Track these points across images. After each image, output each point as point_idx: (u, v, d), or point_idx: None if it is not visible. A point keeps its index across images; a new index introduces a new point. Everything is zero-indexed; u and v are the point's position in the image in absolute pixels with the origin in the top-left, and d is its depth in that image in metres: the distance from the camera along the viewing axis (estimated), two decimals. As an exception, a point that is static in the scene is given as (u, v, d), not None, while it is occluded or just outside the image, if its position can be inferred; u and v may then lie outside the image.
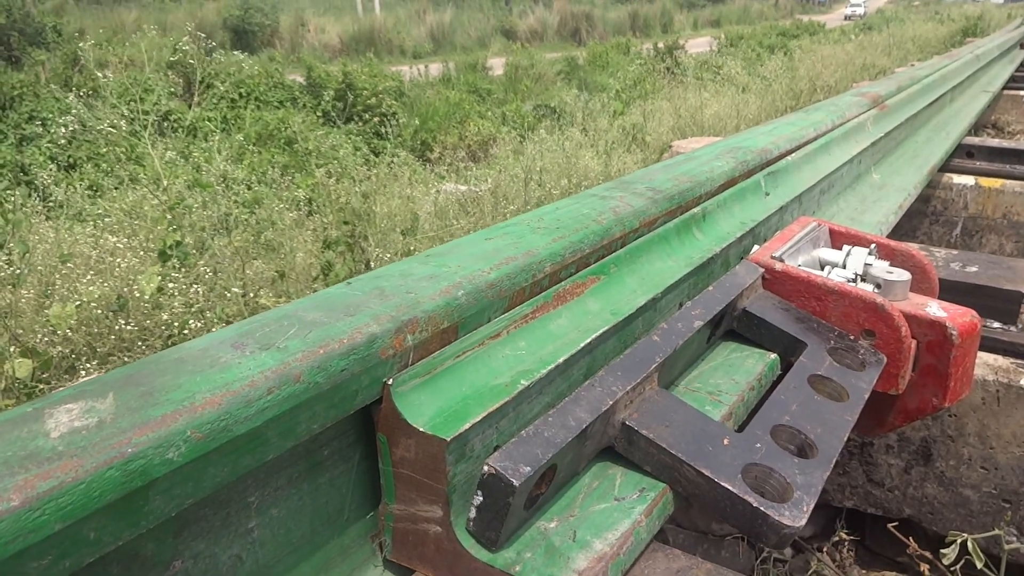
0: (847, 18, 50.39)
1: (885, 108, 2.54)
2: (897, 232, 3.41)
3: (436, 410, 0.76)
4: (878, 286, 1.33)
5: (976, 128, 5.66)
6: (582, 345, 0.91)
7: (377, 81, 15.87)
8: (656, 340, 1.00)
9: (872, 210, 1.98)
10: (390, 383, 0.74)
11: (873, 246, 1.41)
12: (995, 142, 3.38)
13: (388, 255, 3.81)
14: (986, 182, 3.14)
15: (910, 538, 1.76)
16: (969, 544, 1.58)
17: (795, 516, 0.81)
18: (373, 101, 14.90)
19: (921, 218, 3.37)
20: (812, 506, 0.83)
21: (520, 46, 26.84)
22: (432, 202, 5.30)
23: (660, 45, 22.52)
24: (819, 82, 9.62)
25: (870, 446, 1.76)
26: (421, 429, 0.73)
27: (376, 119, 14.13)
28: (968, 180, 3.16)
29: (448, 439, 0.71)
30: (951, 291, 1.69)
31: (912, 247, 1.47)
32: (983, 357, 1.61)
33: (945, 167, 3.23)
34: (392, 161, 5.16)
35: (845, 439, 0.97)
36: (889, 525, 1.78)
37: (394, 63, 23.46)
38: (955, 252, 1.85)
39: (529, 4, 37.37)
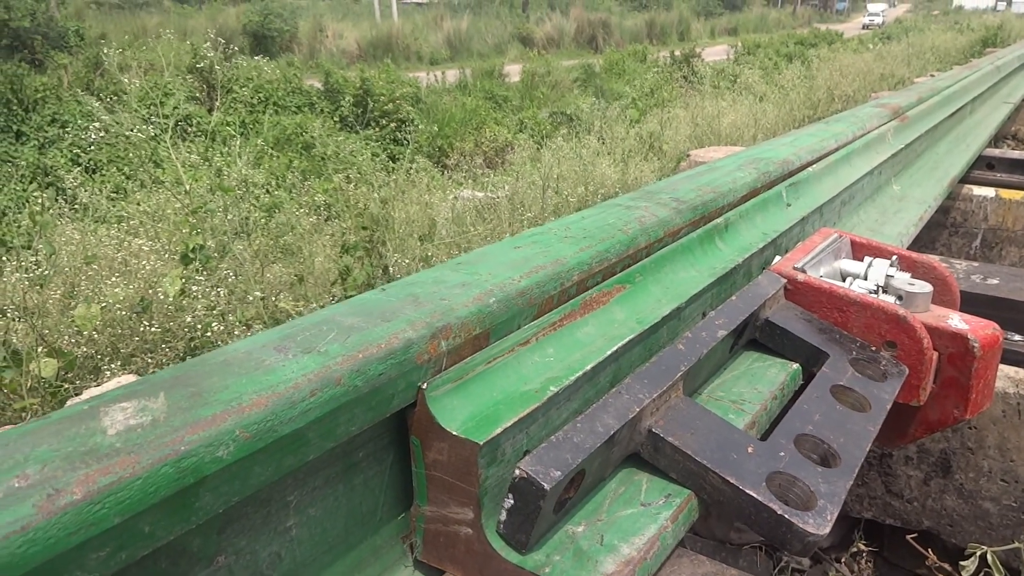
0: (865, 27, 50.20)
1: (906, 119, 2.55)
2: (917, 244, 3.40)
3: (468, 414, 0.77)
4: (900, 298, 1.33)
5: (997, 139, 5.64)
6: (608, 353, 0.93)
7: (394, 87, 15.96)
8: (681, 349, 1.01)
9: (892, 221, 1.99)
10: (424, 387, 0.76)
11: (895, 258, 1.42)
12: (1016, 154, 3.37)
13: (406, 260, 3.84)
14: (1006, 194, 3.13)
15: (929, 550, 1.77)
16: (989, 557, 1.58)
17: (819, 524, 0.82)
18: (390, 107, 14.98)
19: (941, 230, 3.37)
20: (836, 515, 0.85)
21: (537, 53, 26.92)
22: (449, 208, 5.33)
23: (677, 53, 22.50)
24: (837, 91, 9.59)
25: (889, 457, 1.77)
26: (454, 433, 0.75)
27: (393, 125, 14.20)
28: (988, 192, 3.15)
29: (481, 443, 0.73)
30: (972, 303, 1.69)
31: (933, 259, 1.48)
32: (1004, 370, 1.61)
33: (965, 179, 3.22)
34: (410, 167, 5.20)
35: (867, 449, 0.98)
36: (908, 537, 1.78)
37: (411, 69, 23.59)
38: (976, 264, 1.86)
39: (546, 11, 37.48)
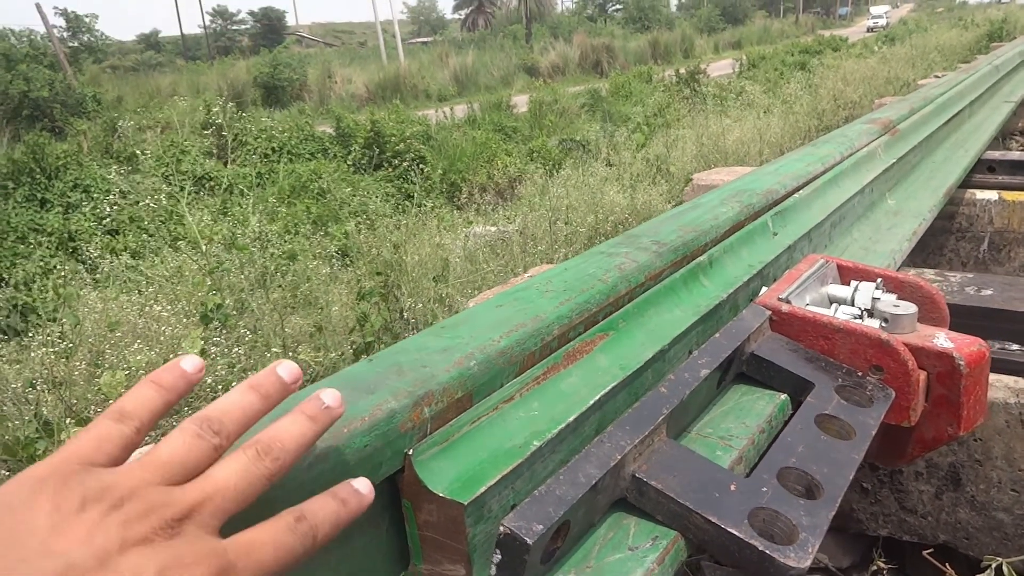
0: (870, 30, 50.15)
1: (896, 133, 2.58)
2: (923, 251, 3.41)
3: (454, 475, 0.82)
4: (886, 320, 1.36)
5: (1004, 137, 5.62)
6: (591, 402, 0.97)
7: (404, 127, 16.21)
8: (663, 392, 1.05)
9: (886, 239, 2.01)
10: (411, 453, 0.81)
11: (880, 280, 1.45)
12: (1016, 155, 3.38)
13: (420, 304, 3.91)
14: (1009, 196, 3.13)
15: (947, 564, 1.77)
16: (1004, 568, 1.58)
17: (800, 557, 0.85)
18: (402, 147, 15.20)
19: (947, 236, 3.37)
20: (817, 546, 0.88)
21: (543, 82, 27.24)
22: (462, 247, 5.41)
23: (682, 71, 22.65)
24: (842, 99, 9.61)
25: (899, 473, 1.78)
26: (441, 495, 0.79)
27: (405, 164, 14.41)
28: (991, 195, 3.16)
29: (465, 503, 0.78)
30: (966, 316, 1.71)
31: (921, 277, 1.51)
32: (1004, 380, 1.63)
33: (967, 183, 3.23)
34: (418, 211, 5.30)
35: (851, 477, 1.01)
36: (925, 552, 1.79)
37: (420, 107, 23.94)
38: (970, 276, 1.88)
39: (549, 40, 37.92)
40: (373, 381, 0.85)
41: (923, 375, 1.27)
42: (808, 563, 0.86)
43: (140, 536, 0.48)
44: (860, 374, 1.25)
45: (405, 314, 3.92)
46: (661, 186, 6.36)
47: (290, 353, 3.22)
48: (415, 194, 7.50)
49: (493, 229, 6.37)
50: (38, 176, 12.38)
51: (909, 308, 1.35)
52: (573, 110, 20.97)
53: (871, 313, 1.41)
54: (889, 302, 1.38)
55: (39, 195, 12.11)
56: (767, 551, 0.85)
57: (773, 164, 2.03)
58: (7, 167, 12.37)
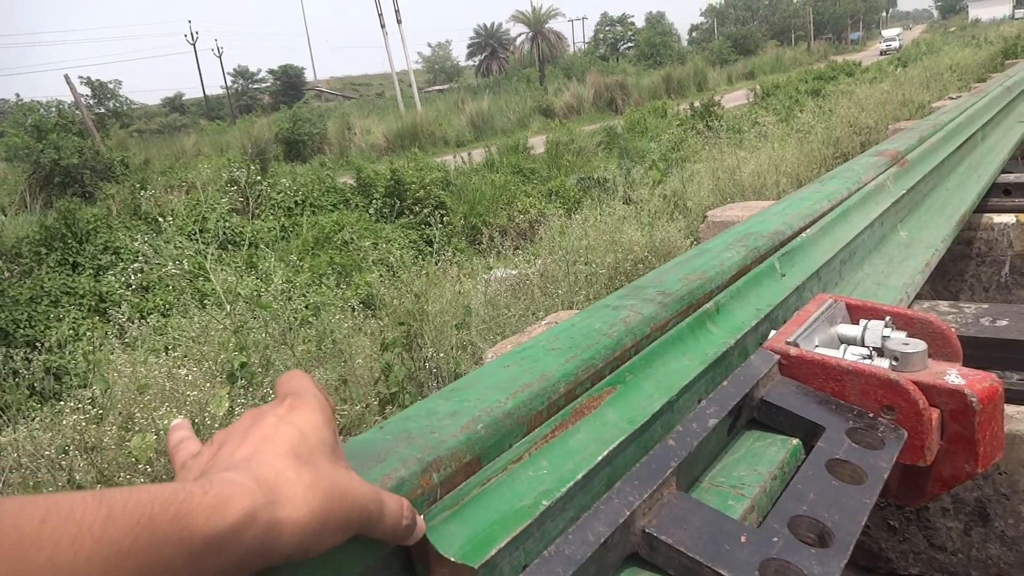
0: (882, 53, 50.19)
1: (905, 164, 2.59)
2: (944, 278, 3.39)
3: (465, 539, 0.84)
4: (896, 359, 1.37)
5: (1020, 157, 5.58)
6: (600, 458, 0.99)
7: (424, 174, 16.46)
8: (672, 444, 1.07)
9: (899, 271, 2.01)
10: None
11: (888, 318, 1.46)
12: (1031, 178, 3.36)
13: (442, 352, 3.94)
14: (1027, 218, 3.12)
15: (982, 601, 1.73)
16: (1039, 605, 1.55)
17: (812, 609, 0.86)
18: (422, 193, 15.41)
19: (967, 261, 3.35)
20: (829, 596, 0.88)
21: (559, 122, 27.52)
22: (483, 291, 5.45)
23: (696, 104, 22.80)
24: (857, 125, 9.62)
25: (926, 510, 1.76)
26: (452, 559, 0.81)
27: (426, 211, 14.59)
28: (1009, 219, 3.15)
29: (476, 566, 0.80)
30: (982, 348, 1.70)
31: (931, 313, 1.51)
32: (1023, 412, 1.61)
33: (983, 208, 3.22)
34: (438, 259, 5.36)
35: (863, 522, 1.01)
36: (958, 590, 1.76)
37: (438, 154, 24.29)
38: (984, 306, 1.87)
39: (562, 81, 38.40)
40: (383, 449, 0.88)
41: (936, 413, 1.27)
42: (820, 614, 0.86)
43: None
44: (871, 415, 1.25)
45: (428, 363, 3.95)
46: (679, 222, 6.39)
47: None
48: (435, 240, 7.59)
49: (514, 272, 6.42)
50: (69, 240, 12.71)
51: (919, 346, 1.36)
52: (590, 148, 21.16)
53: (881, 352, 1.42)
54: (899, 340, 1.39)
55: (71, 259, 12.43)
56: (778, 603, 0.86)
57: (779, 204, 2.05)
58: (40, 234, 12.72)
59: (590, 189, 14.31)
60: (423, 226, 13.87)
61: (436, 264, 5.25)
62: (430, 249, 8.16)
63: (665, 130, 20.12)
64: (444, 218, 12.79)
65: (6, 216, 16.39)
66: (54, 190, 19.60)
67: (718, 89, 36.60)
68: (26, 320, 10.69)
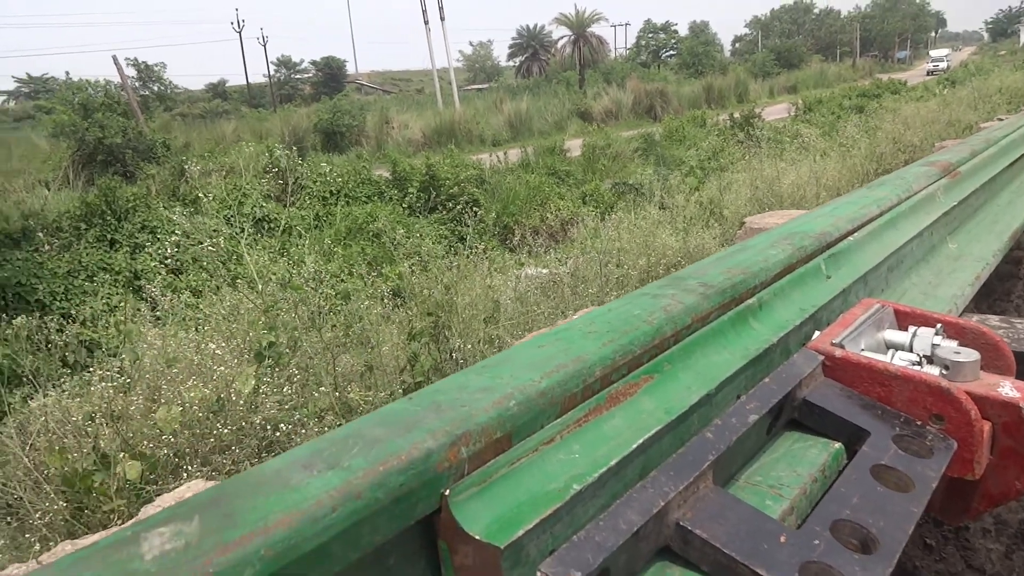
0: (929, 73, 49.33)
1: (957, 176, 2.51)
2: (990, 296, 3.29)
3: (492, 518, 0.81)
4: (947, 367, 1.31)
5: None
6: (635, 446, 0.94)
7: (459, 171, 16.47)
8: (709, 437, 1.02)
9: (947, 283, 1.94)
10: (447, 494, 0.80)
11: (939, 326, 1.40)
12: (1087, 198, 3.25)
13: (469, 345, 3.91)
14: (1081, 240, 3.01)
15: (1019, 629, 1.66)
16: (1083, 636, 1.48)
17: (854, 616, 0.81)
18: (456, 190, 15.42)
19: (1015, 281, 3.25)
20: (873, 605, 0.83)
21: (596, 127, 27.40)
22: (513, 288, 5.41)
23: (736, 115, 22.55)
24: (901, 142, 9.43)
25: (966, 530, 1.69)
26: (477, 537, 0.78)
27: (459, 207, 14.59)
28: (1061, 239, 3.04)
29: (502, 547, 0.76)
30: (1035, 365, 1.63)
31: (983, 324, 1.44)
32: (1077, 433, 1.54)
33: (1034, 227, 3.12)
34: (470, 253, 5.34)
35: (910, 532, 0.96)
36: (995, 615, 1.69)
37: (474, 152, 24.30)
38: (1038, 322, 1.79)
39: (602, 86, 38.25)
40: (411, 420, 0.85)
41: (987, 426, 1.21)
42: (863, 622, 0.81)
43: None
44: (919, 423, 1.19)
45: (455, 355, 3.92)
46: (714, 229, 6.30)
47: (339, 392, 3.24)
48: (468, 236, 7.58)
49: (544, 271, 6.37)
50: (109, 218, 12.90)
51: (972, 355, 1.29)
52: (626, 154, 21.01)
53: (930, 360, 1.36)
54: (950, 349, 1.33)
55: (109, 235, 12.61)
56: (818, 608, 0.81)
57: (827, 206, 1.99)
58: (81, 209, 12.92)
59: (625, 194, 14.22)
60: (455, 222, 13.88)
61: (468, 257, 5.23)
62: (461, 246, 8.16)
63: (703, 139, 19.93)
64: (477, 214, 12.79)
65: (49, 191, 16.68)
66: (96, 168, 19.93)
67: (759, 101, 36.19)
68: (63, 293, 10.87)
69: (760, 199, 6.96)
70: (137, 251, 12.29)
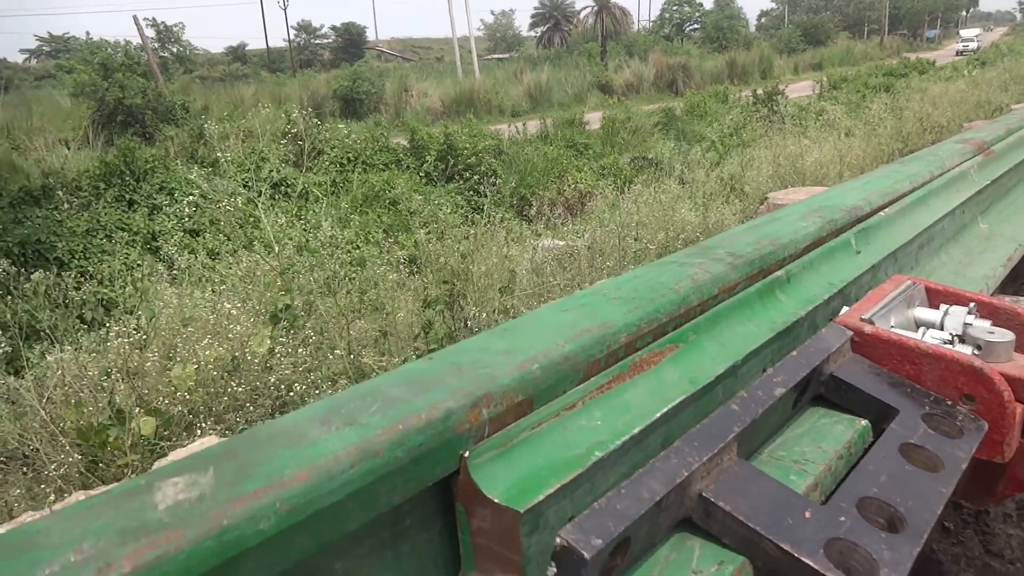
0: (959, 54, 48.33)
1: (991, 154, 2.44)
2: (1015, 281, 3.22)
3: (511, 482, 0.78)
4: (979, 347, 1.27)
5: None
6: (658, 415, 0.92)
7: (477, 140, 16.38)
8: (735, 409, 1.00)
9: (977, 263, 1.90)
10: (466, 455, 0.78)
11: (972, 304, 1.36)
12: (1123, 182, 3.16)
13: (484, 314, 3.90)
14: (1115, 225, 2.93)
15: (1036, 616, 1.64)
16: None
17: (880, 595, 0.78)
18: (473, 160, 15.34)
19: (1044, 265, 3.18)
20: (900, 584, 0.81)
21: (616, 100, 27.11)
22: (529, 259, 5.39)
23: (759, 91, 22.25)
24: (928, 122, 9.26)
25: (986, 514, 1.66)
26: (496, 501, 0.76)
27: (476, 177, 14.52)
28: (1094, 224, 2.97)
29: (522, 511, 0.74)
30: (1069, 348, 1.59)
31: (1019, 305, 1.40)
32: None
33: (1068, 210, 3.04)
34: (488, 222, 5.31)
35: (939, 512, 0.93)
36: (1012, 601, 1.66)
37: (493, 122, 24.13)
38: (1072, 306, 1.74)
39: (624, 58, 37.79)
40: (431, 379, 0.82)
41: (1020, 408, 1.18)
42: (889, 601, 0.79)
43: None
44: (949, 403, 1.16)
45: (469, 323, 3.91)
46: (734, 205, 6.23)
47: (353, 355, 3.24)
48: (485, 206, 7.54)
49: (561, 243, 6.34)
50: (127, 178, 12.95)
51: (1006, 335, 1.26)
52: (646, 128, 20.81)
53: (962, 339, 1.32)
54: (983, 328, 1.29)
55: (127, 196, 12.67)
56: (844, 585, 0.79)
57: (858, 180, 1.94)
58: (100, 169, 12.97)
59: (644, 169, 14.10)
60: (472, 192, 13.83)
61: (485, 227, 5.20)
62: (478, 217, 8.13)
63: (725, 115, 19.68)
64: (495, 184, 12.72)
65: (69, 150, 16.75)
66: (116, 128, 19.98)
67: (783, 78, 35.63)
68: (81, 252, 10.95)
69: (782, 176, 6.87)
70: (155, 212, 12.35)
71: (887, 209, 1.75)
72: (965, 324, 1.32)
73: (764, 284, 1.27)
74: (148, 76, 22.46)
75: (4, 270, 4.89)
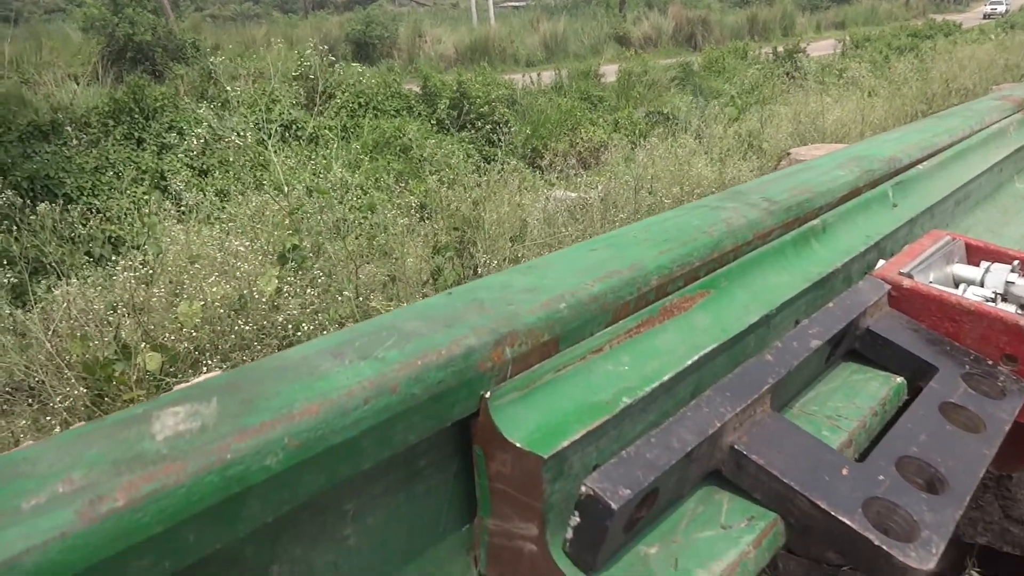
0: (986, 16, 47.12)
1: (1031, 112, 2.34)
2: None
3: (535, 425, 0.74)
4: (1022, 307, 1.21)
5: None
6: (689, 363, 0.87)
7: (490, 89, 16.10)
8: (769, 360, 0.94)
9: (1015, 222, 1.82)
10: (488, 396, 0.73)
11: (1016, 263, 1.29)
12: None
13: (495, 262, 3.84)
14: None
15: (1053, 584, 1.61)
16: (1125, 596, 1.42)
17: (923, 558, 0.74)
18: (486, 109, 15.11)
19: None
20: (943, 548, 0.76)
21: (634, 53, 26.55)
22: (541, 209, 5.31)
23: (780, 49, 21.77)
24: (954, 84, 9.04)
25: (1008, 479, 1.62)
26: (518, 445, 0.71)
27: (489, 127, 14.32)
28: None
29: (546, 456, 0.69)
30: (1108, 313, 1.52)
31: (1062, 264, 1.33)
32: None
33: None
34: (501, 169, 5.21)
35: (981, 475, 0.88)
36: (1029, 568, 1.63)
37: (507, 71, 23.71)
38: (1113, 270, 1.67)
39: (643, 10, 36.97)
40: (451, 315, 0.77)
41: (1063, 371, 1.12)
42: (931, 565, 0.74)
43: None
44: (990, 363, 1.11)
45: (479, 270, 3.86)
46: (752, 161, 6.10)
47: (361, 298, 3.20)
48: (498, 155, 7.43)
49: (574, 195, 6.24)
50: (137, 116, 12.79)
51: (1051, 295, 1.20)
52: (663, 83, 20.41)
53: (1004, 298, 1.26)
54: (1027, 287, 1.23)
55: (136, 134, 12.53)
56: (884, 547, 0.74)
57: (895, 132, 1.86)
58: (109, 106, 12.81)
59: (659, 124, 13.86)
60: (484, 141, 13.65)
61: (498, 174, 5.11)
62: (488, 166, 8.01)
63: (743, 72, 19.29)
64: (506, 135, 12.54)
65: (78, 86, 16.54)
66: (126, 65, 19.70)
67: (805, 36, 34.83)
68: (90, 188, 10.87)
69: (802, 134, 6.72)
70: (164, 151, 12.22)
71: (924, 163, 1.67)
72: (1008, 282, 1.26)
73: (799, 232, 1.21)
74: (159, 13, 22.10)
75: (11, 202, 4.84)
